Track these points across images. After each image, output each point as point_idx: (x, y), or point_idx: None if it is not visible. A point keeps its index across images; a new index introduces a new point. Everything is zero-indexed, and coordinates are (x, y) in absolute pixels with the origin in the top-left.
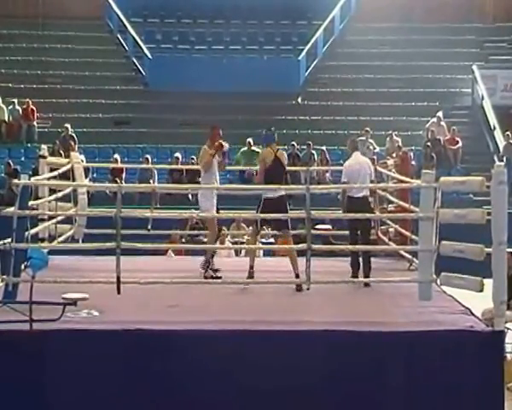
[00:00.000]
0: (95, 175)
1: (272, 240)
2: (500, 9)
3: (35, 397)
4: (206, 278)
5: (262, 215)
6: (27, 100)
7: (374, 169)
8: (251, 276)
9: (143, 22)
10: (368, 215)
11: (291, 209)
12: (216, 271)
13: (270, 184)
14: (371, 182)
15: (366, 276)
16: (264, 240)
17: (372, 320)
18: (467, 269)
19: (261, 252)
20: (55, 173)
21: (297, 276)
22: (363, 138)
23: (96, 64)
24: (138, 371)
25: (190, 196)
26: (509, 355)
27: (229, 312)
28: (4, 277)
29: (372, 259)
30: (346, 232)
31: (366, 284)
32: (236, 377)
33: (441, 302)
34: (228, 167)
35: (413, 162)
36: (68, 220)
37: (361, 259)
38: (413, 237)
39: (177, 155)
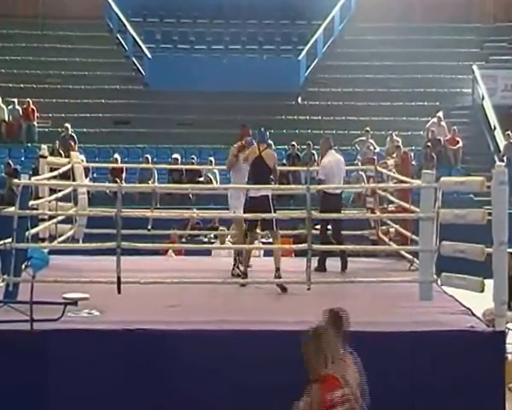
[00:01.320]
0: (95, 175)
1: (272, 240)
2: (500, 9)
3: (36, 397)
4: (233, 275)
5: (263, 215)
6: (27, 100)
7: (374, 169)
8: (245, 276)
9: (143, 22)
10: (368, 215)
11: (291, 209)
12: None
13: (252, 182)
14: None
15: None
16: (264, 240)
17: (373, 320)
18: (467, 269)
19: (261, 252)
20: (56, 173)
21: (277, 270)
22: (364, 138)
23: (96, 64)
24: (139, 371)
25: (191, 196)
26: (509, 356)
27: (229, 311)
28: (5, 277)
29: (373, 259)
30: (348, 232)
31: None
32: (237, 377)
33: (442, 303)
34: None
35: (413, 162)
36: (68, 220)
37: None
38: (413, 237)
39: (176, 156)
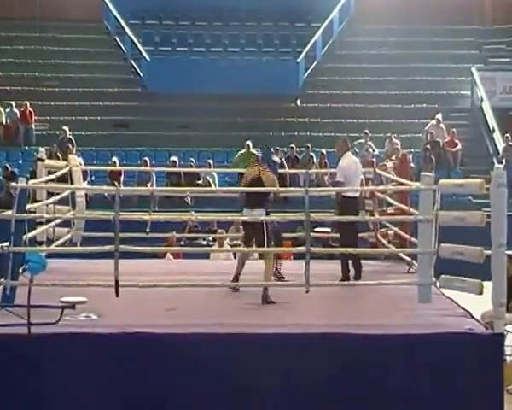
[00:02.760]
0: (93, 178)
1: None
2: (499, 12)
3: (33, 401)
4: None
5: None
6: (25, 102)
7: (373, 171)
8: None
9: (141, 24)
10: (367, 218)
11: (289, 212)
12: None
13: (246, 204)
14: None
15: (358, 277)
16: None
17: (371, 323)
18: (466, 272)
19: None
20: (53, 176)
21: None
22: (363, 141)
23: (94, 66)
24: (137, 375)
25: (189, 199)
26: (508, 358)
27: (228, 315)
28: (2, 280)
29: (371, 261)
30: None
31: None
32: (235, 381)
33: (441, 305)
34: (226, 170)
35: (412, 164)
36: (66, 223)
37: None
38: (412, 239)
39: (174, 158)
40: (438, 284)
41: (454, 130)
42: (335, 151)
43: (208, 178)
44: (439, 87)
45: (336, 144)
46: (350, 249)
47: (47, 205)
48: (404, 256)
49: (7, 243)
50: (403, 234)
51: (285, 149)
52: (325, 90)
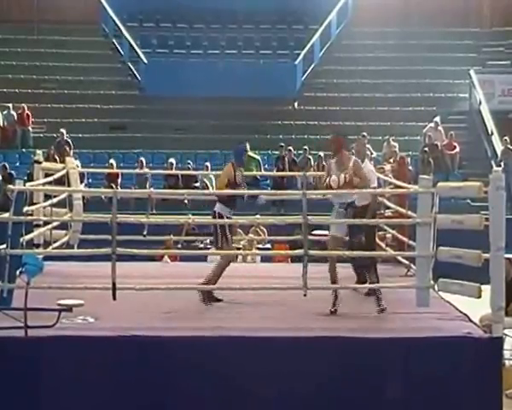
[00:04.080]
0: (90, 180)
1: (269, 245)
2: (497, 14)
3: (30, 404)
4: None
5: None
6: (22, 105)
7: None
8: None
9: (139, 27)
10: (365, 220)
11: (285, 215)
12: None
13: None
14: None
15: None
16: (261, 246)
17: (369, 326)
18: (465, 275)
19: (258, 258)
20: (51, 179)
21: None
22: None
23: (92, 69)
24: (134, 378)
25: (186, 201)
26: (507, 362)
27: (225, 318)
28: None
29: None
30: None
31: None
32: (233, 384)
33: (439, 308)
34: None
35: (410, 167)
36: (63, 226)
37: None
38: (410, 242)
39: (172, 160)
40: (436, 288)
41: (452, 133)
42: (356, 154)
43: (206, 180)
44: (437, 90)
45: (357, 146)
46: (347, 252)
47: (44, 207)
48: (401, 259)
49: (4, 246)
50: (401, 237)
51: (283, 152)
52: (323, 93)
